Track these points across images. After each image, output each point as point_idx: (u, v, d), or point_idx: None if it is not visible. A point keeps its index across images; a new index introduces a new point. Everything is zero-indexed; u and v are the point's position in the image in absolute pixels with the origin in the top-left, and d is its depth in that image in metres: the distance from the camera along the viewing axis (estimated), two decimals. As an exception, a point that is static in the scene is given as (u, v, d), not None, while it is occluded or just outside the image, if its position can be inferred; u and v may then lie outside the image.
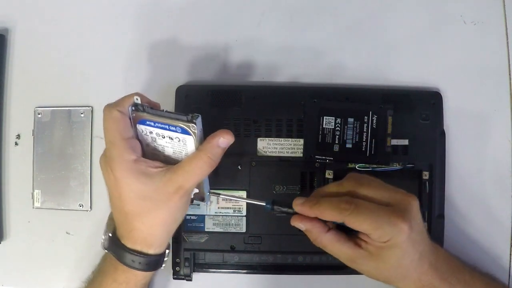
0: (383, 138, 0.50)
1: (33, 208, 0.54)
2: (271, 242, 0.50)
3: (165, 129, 0.40)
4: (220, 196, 0.46)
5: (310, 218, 0.41)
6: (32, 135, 0.54)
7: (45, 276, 0.54)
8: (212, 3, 0.55)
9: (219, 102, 0.51)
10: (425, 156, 0.50)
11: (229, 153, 0.50)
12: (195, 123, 0.39)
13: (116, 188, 0.40)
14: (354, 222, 0.39)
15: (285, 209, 0.43)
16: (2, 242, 0.54)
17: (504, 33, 0.53)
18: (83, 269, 0.53)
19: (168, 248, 0.45)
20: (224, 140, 0.41)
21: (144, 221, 0.41)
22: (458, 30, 0.54)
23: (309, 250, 0.49)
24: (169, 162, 0.42)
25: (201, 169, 0.40)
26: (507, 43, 0.53)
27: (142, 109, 0.41)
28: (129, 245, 0.42)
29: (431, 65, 0.53)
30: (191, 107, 0.51)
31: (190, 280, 0.50)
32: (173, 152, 0.42)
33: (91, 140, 0.54)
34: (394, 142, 0.50)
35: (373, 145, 0.50)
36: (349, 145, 0.50)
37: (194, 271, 0.50)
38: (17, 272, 0.54)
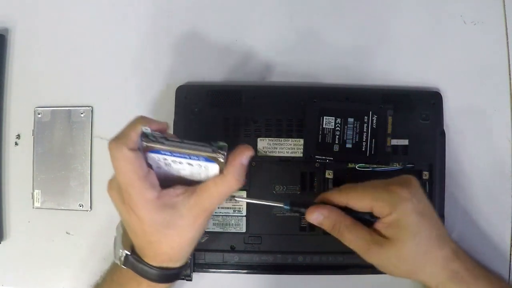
0: (383, 138, 0.50)
1: (33, 208, 0.54)
2: (271, 242, 0.50)
3: (185, 157, 0.38)
4: (240, 200, 0.44)
5: (327, 206, 0.41)
6: (32, 135, 0.54)
7: (45, 276, 0.54)
8: (212, 3, 0.55)
9: (219, 102, 0.51)
10: (425, 156, 0.50)
11: (229, 153, 0.50)
12: (223, 155, 0.37)
13: (140, 224, 0.38)
14: (354, 199, 0.40)
15: (303, 210, 0.42)
16: (2, 242, 0.54)
17: (504, 33, 0.53)
18: (83, 269, 0.53)
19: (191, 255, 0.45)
20: (246, 157, 0.39)
21: (171, 245, 0.40)
22: (458, 30, 0.54)
23: (309, 250, 0.50)
24: (183, 180, 0.41)
25: (229, 192, 0.39)
26: (507, 43, 0.53)
27: (155, 140, 0.37)
28: (155, 263, 0.40)
29: (431, 65, 0.53)
30: (191, 107, 0.51)
31: (190, 280, 0.50)
32: (191, 174, 0.40)
33: (91, 140, 0.54)
34: (394, 142, 0.50)
35: (373, 145, 0.50)
36: (349, 145, 0.50)
37: (194, 271, 0.50)
38: (17, 272, 0.54)
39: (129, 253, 0.41)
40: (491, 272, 0.46)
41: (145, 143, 0.37)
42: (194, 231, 0.40)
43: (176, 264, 0.41)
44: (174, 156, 0.38)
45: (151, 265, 0.40)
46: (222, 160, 0.38)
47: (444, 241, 0.40)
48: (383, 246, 0.40)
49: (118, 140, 0.37)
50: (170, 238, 0.39)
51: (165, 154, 0.38)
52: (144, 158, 0.38)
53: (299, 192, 0.50)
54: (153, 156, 0.39)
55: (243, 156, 0.38)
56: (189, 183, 0.40)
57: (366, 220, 0.41)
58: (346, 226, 0.41)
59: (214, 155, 0.38)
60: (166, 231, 0.38)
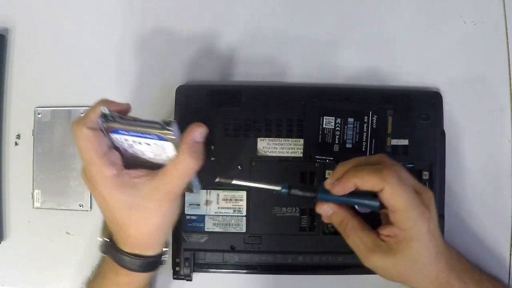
0: (383, 138, 0.50)
1: (33, 208, 0.54)
2: (271, 242, 0.50)
3: (141, 136, 0.39)
4: (232, 182, 0.44)
5: (343, 206, 0.41)
6: (32, 135, 0.54)
7: (45, 276, 0.54)
8: (212, 3, 0.55)
9: (219, 102, 0.51)
10: (425, 156, 0.50)
11: (229, 153, 0.50)
12: (171, 131, 0.38)
13: (105, 204, 0.40)
14: (392, 193, 0.38)
15: (306, 194, 0.42)
16: (2, 242, 0.54)
17: (504, 33, 0.53)
18: (83, 269, 0.53)
19: (167, 246, 0.45)
20: (199, 134, 0.40)
21: (139, 230, 0.41)
22: (458, 30, 0.54)
23: (309, 250, 0.50)
24: (152, 164, 0.42)
25: (188, 171, 0.40)
26: (507, 43, 0.53)
27: (113, 119, 0.39)
28: (127, 250, 0.42)
29: (431, 65, 0.53)
30: (191, 107, 0.51)
31: (190, 280, 0.50)
32: (154, 155, 0.42)
33: (91, 140, 0.54)
34: (394, 142, 0.50)
35: (373, 145, 0.50)
36: (349, 145, 0.50)
37: (194, 271, 0.50)
38: (17, 272, 0.54)
39: (107, 239, 0.43)
40: (485, 275, 0.46)
41: (104, 123, 0.39)
42: (161, 215, 0.41)
43: (148, 251, 0.42)
44: (131, 135, 0.39)
45: (123, 251, 0.41)
46: (173, 137, 0.38)
47: (441, 256, 0.41)
48: (385, 255, 0.40)
49: (78, 120, 0.39)
50: (136, 220, 0.40)
51: (124, 134, 0.39)
52: (109, 139, 0.40)
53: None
54: (115, 137, 0.40)
55: (195, 132, 0.39)
56: (158, 168, 0.41)
57: (369, 206, 0.41)
58: (353, 226, 0.41)
59: (163, 131, 0.38)
60: (130, 212, 0.40)
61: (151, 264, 0.43)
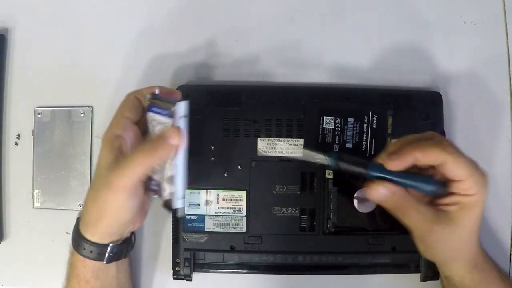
0: (383, 138, 0.50)
1: (33, 208, 0.54)
2: (271, 242, 0.50)
3: (161, 114, 0.42)
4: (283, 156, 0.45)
5: (392, 183, 0.40)
6: (32, 135, 0.54)
7: (45, 276, 0.54)
8: (213, 3, 0.55)
9: (219, 102, 0.51)
10: (425, 156, 0.50)
11: (229, 153, 0.50)
12: (174, 106, 0.41)
13: (97, 165, 0.42)
14: (455, 163, 0.38)
15: (356, 169, 0.40)
16: (2, 242, 0.54)
17: (504, 33, 0.53)
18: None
19: (127, 242, 0.46)
20: (173, 138, 0.40)
21: (89, 212, 0.42)
22: (458, 30, 0.54)
23: (309, 250, 0.50)
24: None
25: (143, 160, 0.40)
26: (507, 43, 0.53)
27: (157, 99, 0.42)
28: (81, 228, 0.43)
29: (431, 65, 0.53)
30: (191, 107, 0.51)
31: (190, 280, 0.50)
32: None
33: (91, 140, 0.54)
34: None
35: (373, 145, 0.50)
36: (349, 145, 0.50)
37: (194, 271, 0.50)
38: (17, 272, 0.54)
39: (78, 216, 0.44)
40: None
41: (149, 101, 0.43)
42: (113, 199, 0.40)
43: (95, 238, 0.42)
44: (156, 112, 0.42)
45: (80, 233, 0.43)
46: (174, 114, 0.41)
47: (477, 236, 0.42)
48: (447, 225, 0.39)
49: (135, 90, 0.45)
50: (92, 202, 0.41)
51: (153, 112, 0.42)
52: (145, 121, 0.43)
53: (299, 192, 0.50)
54: (149, 116, 0.43)
55: (170, 134, 0.41)
56: None
57: (425, 190, 0.40)
58: (410, 202, 0.40)
59: (173, 107, 0.41)
60: (99, 178, 0.41)
61: (99, 252, 0.43)
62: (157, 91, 0.43)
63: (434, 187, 0.40)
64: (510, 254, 0.52)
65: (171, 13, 0.55)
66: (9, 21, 0.56)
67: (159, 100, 0.42)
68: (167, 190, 0.43)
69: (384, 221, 0.49)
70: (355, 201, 0.48)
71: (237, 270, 0.51)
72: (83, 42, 0.55)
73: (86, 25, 0.55)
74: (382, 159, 0.40)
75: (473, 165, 0.39)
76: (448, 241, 0.40)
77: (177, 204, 0.43)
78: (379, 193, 0.40)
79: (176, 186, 0.42)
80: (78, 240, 0.43)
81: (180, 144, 0.41)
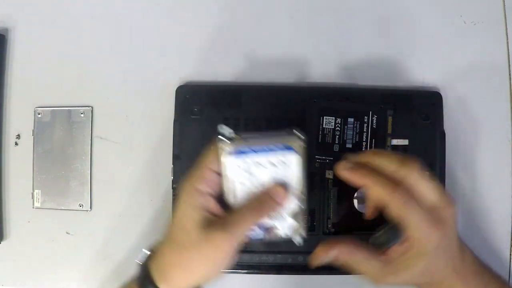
0: (383, 138, 0.50)
1: (33, 208, 0.54)
2: (271, 242, 0.50)
3: (265, 151, 0.36)
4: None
5: (337, 244, 0.40)
6: (32, 135, 0.54)
7: (45, 276, 0.54)
8: (212, 3, 0.55)
9: (219, 102, 0.51)
10: (425, 156, 0.50)
11: (229, 153, 0.50)
12: (298, 134, 0.36)
13: (176, 220, 0.39)
14: (398, 212, 0.37)
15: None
16: (2, 242, 0.54)
17: (504, 33, 0.53)
18: (83, 269, 0.53)
19: None
20: (278, 196, 0.38)
21: (185, 260, 0.39)
22: (458, 30, 0.54)
23: (309, 250, 0.49)
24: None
25: (250, 219, 0.38)
26: (507, 43, 0.53)
27: (239, 136, 0.37)
28: (156, 276, 0.39)
29: (431, 65, 0.53)
30: (191, 107, 0.51)
31: (190, 280, 0.50)
32: (274, 182, 0.39)
33: (91, 140, 0.54)
34: (394, 142, 0.50)
35: (373, 145, 0.50)
36: (349, 145, 0.50)
37: (194, 271, 0.50)
38: (17, 272, 0.54)
39: (148, 251, 0.41)
40: (495, 278, 0.46)
41: (232, 141, 0.37)
42: (199, 265, 0.38)
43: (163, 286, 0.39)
44: (255, 153, 0.37)
45: (151, 278, 0.39)
46: (300, 140, 0.36)
47: (449, 263, 0.40)
48: (398, 275, 0.39)
49: (191, 180, 0.39)
50: (189, 257, 0.38)
51: (247, 153, 0.37)
52: (229, 170, 0.38)
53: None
54: (236, 162, 0.37)
55: (275, 190, 0.38)
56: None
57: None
58: (360, 260, 0.40)
59: (289, 138, 0.36)
60: (180, 248, 0.38)
61: None
62: (222, 127, 0.37)
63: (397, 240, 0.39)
64: (510, 254, 0.52)
65: (171, 13, 0.55)
66: (9, 21, 0.56)
67: (242, 138, 0.36)
68: (283, 229, 0.40)
69: (384, 221, 0.49)
70: (355, 201, 0.48)
71: (237, 270, 0.51)
72: (83, 42, 0.55)
73: (86, 25, 0.55)
74: (341, 167, 0.40)
75: (423, 219, 0.37)
76: (401, 283, 0.40)
77: (298, 239, 0.41)
78: (328, 258, 0.40)
79: (296, 221, 0.40)
80: (148, 284, 0.39)
81: (287, 197, 0.38)
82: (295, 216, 0.40)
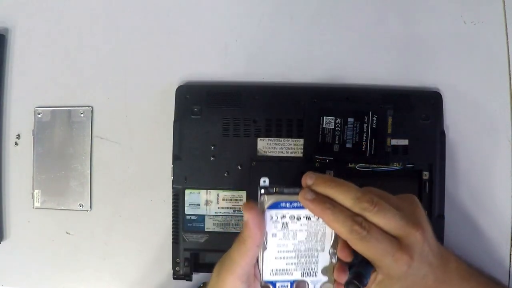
0: (383, 138, 0.50)
1: (33, 208, 0.54)
2: None
3: (302, 207, 0.37)
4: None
5: None
6: (32, 135, 0.54)
7: (45, 276, 0.54)
8: (212, 3, 0.55)
9: (219, 102, 0.51)
10: (425, 156, 0.50)
11: (229, 153, 0.50)
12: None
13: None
14: (359, 248, 0.37)
15: None
16: (2, 242, 0.54)
17: (504, 33, 0.53)
18: (83, 269, 0.53)
19: None
20: (244, 212, 0.37)
21: None
22: (458, 30, 0.54)
23: None
24: (299, 251, 0.39)
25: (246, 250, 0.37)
26: (507, 43, 0.53)
27: (274, 191, 0.37)
28: None
29: (431, 65, 0.53)
30: (191, 107, 0.51)
31: (190, 280, 0.50)
32: (307, 236, 0.38)
33: (91, 140, 0.54)
34: (394, 142, 0.50)
35: (373, 145, 0.50)
36: (349, 145, 0.50)
37: (194, 271, 0.50)
38: (17, 272, 0.54)
39: None
40: (484, 281, 0.45)
41: (266, 196, 0.37)
42: None
43: None
44: (292, 207, 0.37)
45: None
46: None
47: (428, 276, 0.39)
48: None
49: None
50: None
51: (282, 208, 0.37)
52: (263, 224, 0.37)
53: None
54: (271, 214, 0.37)
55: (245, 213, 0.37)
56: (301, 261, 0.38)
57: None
58: None
59: None
60: None
61: None
62: (265, 181, 0.37)
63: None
64: (510, 254, 0.52)
65: (171, 13, 0.55)
66: (9, 21, 0.56)
67: (278, 193, 0.37)
68: (312, 284, 0.39)
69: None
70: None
71: None
72: (83, 42, 0.55)
73: (86, 25, 0.55)
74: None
75: (385, 248, 0.37)
76: None
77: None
78: None
79: (328, 277, 0.39)
80: None
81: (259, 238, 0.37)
82: (326, 271, 0.39)
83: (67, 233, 0.54)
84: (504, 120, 0.53)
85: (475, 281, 0.44)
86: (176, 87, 0.52)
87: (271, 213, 0.37)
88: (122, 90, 0.54)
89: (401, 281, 0.38)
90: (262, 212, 0.37)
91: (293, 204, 0.37)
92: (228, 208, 0.50)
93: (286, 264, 0.38)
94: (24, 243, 0.54)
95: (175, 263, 0.50)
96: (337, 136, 0.50)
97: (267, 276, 0.38)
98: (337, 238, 0.38)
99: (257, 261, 0.38)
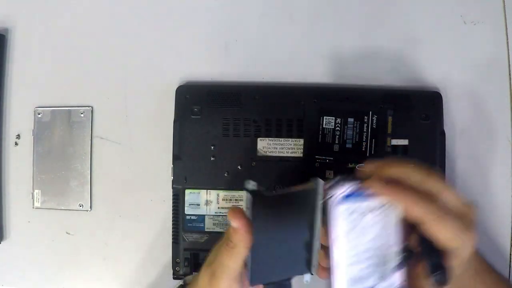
0: (383, 138, 0.50)
1: (33, 208, 0.54)
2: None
3: (364, 199, 0.33)
4: None
5: None
6: (32, 135, 0.54)
7: (45, 276, 0.54)
8: (212, 3, 0.55)
9: (219, 102, 0.51)
10: (425, 156, 0.50)
11: (229, 153, 0.50)
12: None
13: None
14: (437, 229, 0.35)
15: None
16: (2, 242, 0.54)
17: (504, 33, 0.53)
18: (83, 269, 0.53)
19: None
20: (232, 219, 0.36)
21: None
22: (458, 30, 0.54)
23: (309, 250, 0.50)
24: (375, 255, 0.35)
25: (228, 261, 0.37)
26: (507, 43, 0.53)
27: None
28: None
29: (431, 65, 0.53)
30: (191, 107, 0.51)
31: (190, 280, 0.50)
32: (379, 231, 0.34)
33: (91, 140, 0.54)
34: (394, 142, 0.50)
35: (373, 145, 0.50)
36: (349, 145, 0.50)
37: (194, 271, 0.50)
38: (17, 272, 0.54)
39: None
40: (497, 277, 0.46)
41: (330, 191, 0.33)
42: None
43: None
44: (361, 199, 0.33)
45: None
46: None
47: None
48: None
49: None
50: None
51: (355, 201, 0.33)
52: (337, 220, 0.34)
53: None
54: (343, 211, 0.33)
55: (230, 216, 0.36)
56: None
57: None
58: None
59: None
60: None
61: None
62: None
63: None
64: (510, 254, 0.52)
65: (171, 13, 0.55)
66: (9, 21, 0.56)
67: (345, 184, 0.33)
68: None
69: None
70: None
71: (237, 270, 0.51)
72: (83, 42, 0.55)
73: (86, 25, 0.55)
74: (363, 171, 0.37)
75: (459, 227, 0.35)
76: None
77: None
78: None
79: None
80: None
81: (246, 240, 0.36)
82: (396, 268, 0.36)
83: (67, 233, 0.54)
84: (503, 120, 0.53)
85: (495, 276, 0.44)
86: (176, 87, 0.52)
87: (342, 210, 0.33)
88: (122, 90, 0.54)
89: (462, 265, 0.37)
90: (250, 216, 0.35)
91: (360, 195, 0.33)
92: (228, 208, 0.50)
93: (360, 270, 0.34)
94: (24, 243, 0.54)
95: (175, 263, 0.50)
96: (337, 136, 0.50)
97: None
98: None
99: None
